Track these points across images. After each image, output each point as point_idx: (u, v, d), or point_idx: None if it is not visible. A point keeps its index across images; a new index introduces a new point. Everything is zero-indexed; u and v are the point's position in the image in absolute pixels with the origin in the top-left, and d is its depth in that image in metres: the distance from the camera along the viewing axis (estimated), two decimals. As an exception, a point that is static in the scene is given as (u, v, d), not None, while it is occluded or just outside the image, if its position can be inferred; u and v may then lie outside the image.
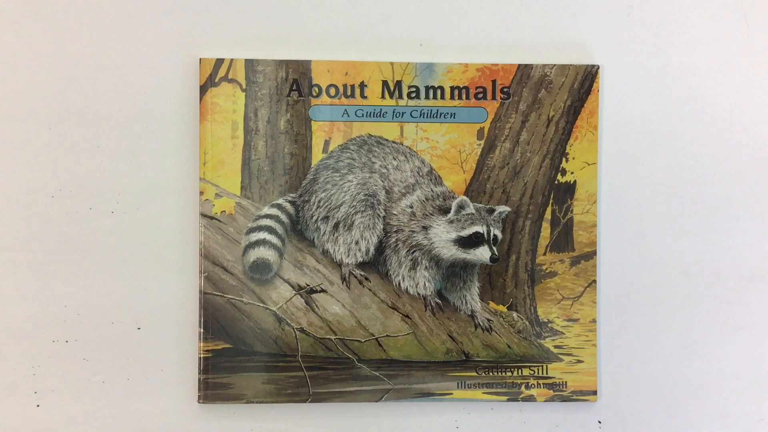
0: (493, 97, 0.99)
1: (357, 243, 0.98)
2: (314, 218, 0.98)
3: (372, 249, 0.98)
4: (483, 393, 0.98)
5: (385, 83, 0.97)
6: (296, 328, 0.96)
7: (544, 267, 0.99)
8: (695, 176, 1.01)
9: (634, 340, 1.00)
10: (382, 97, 0.98)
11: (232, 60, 0.96)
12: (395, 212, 0.99)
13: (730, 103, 1.01)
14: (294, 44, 0.98)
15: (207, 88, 0.96)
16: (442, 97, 0.98)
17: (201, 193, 0.96)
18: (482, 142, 0.99)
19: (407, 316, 0.98)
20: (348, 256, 0.98)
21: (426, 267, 0.99)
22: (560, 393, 0.99)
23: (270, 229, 0.97)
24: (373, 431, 0.99)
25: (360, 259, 0.98)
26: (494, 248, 0.97)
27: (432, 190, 0.98)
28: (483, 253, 0.97)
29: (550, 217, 0.99)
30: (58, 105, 0.96)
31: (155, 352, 0.97)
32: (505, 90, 0.99)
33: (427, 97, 0.98)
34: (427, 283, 0.99)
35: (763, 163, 1.01)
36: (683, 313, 1.01)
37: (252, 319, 0.96)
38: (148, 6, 0.97)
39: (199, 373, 0.96)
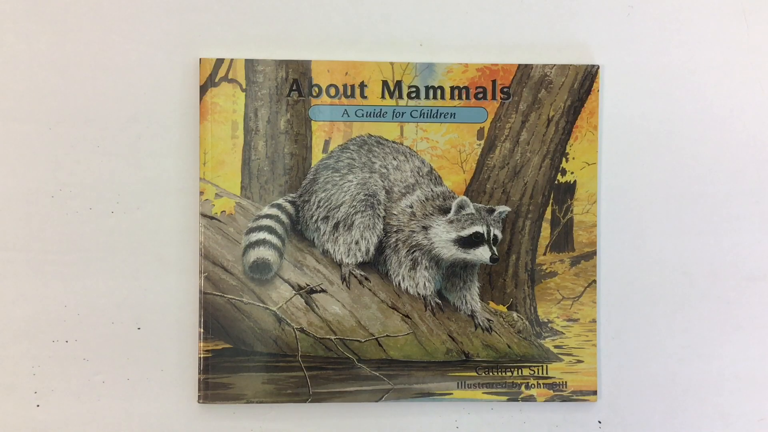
0: (493, 97, 0.99)
1: (357, 243, 0.98)
2: (314, 218, 0.98)
3: (372, 249, 0.98)
4: (483, 393, 0.98)
5: (385, 83, 0.97)
6: (296, 328, 0.96)
7: (544, 267, 0.99)
8: (695, 176, 1.01)
9: (634, 340, 1.00)
10: (382, 97, 0.98)
11: (232, 60, 0.96)
12: (395, 212, 0.99)
13: (730, 103, 1.01)
14: (294, 44, 0.98)
15: (207, 88, 0.96)
16: (442, 97, 0.98)
17: (201, 193, 0.96)
18: (482, 142, 0.99)
19: (407, 316, 0.98)
20: (348, 256, 0.98)
21: (426, 267, 0.99)
22: (560, 393, 0.99)
23: (270, 229, 0.97)
24: (373, 431, 0.99)
25: (360, 259, 0.98)
26: (494, 248, 0.97)
27: (432, 190, 0.98)
28: (483, 253, 0.97)
29: (550, 217, 0.99)
30: (58, 105, 0.96)
31: (155, 352, 0.97)
32: (505, 90, 0.99)
33: (427, 97, 0.98)
34: (427, 283, 0.99)
35: (763, 163, 1.01)
36: (683, 313, 1.01)
37: (252, 319, 0.96)
38: (148, 6, 0.97)
39: (199, 373, 0.96)
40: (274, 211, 0.97)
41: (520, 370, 0.99)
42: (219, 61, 0.96)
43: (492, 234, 0.97)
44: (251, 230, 0.97)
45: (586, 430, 1.00)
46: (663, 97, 1.00)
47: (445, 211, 0.97)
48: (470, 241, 0.97)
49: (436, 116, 0.98)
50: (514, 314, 0.99)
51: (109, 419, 0.97)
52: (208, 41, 0.98)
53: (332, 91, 0.97)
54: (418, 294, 0.99)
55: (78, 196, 0.97)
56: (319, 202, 0.98)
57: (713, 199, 1.01)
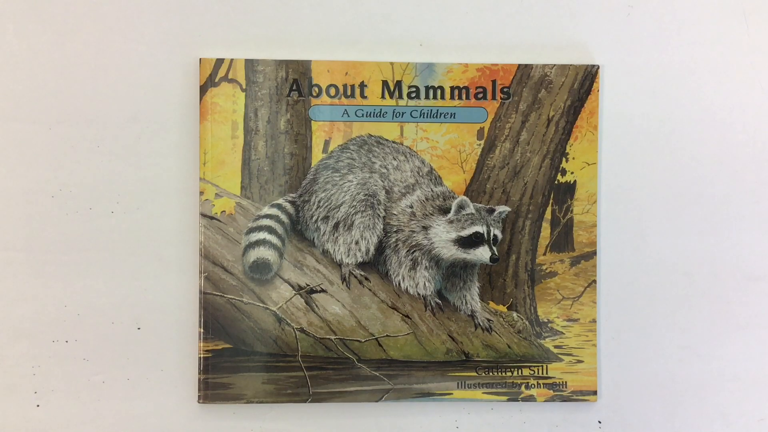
0: (493, 97, 0.99)
1: (357, 243, 0.98)
2: (314, 218, 0.98)
3: (372, 249, 0.98)
4: (483, 393, 0.98)
5: (385, 83, 0.97)
6: (296, 328, 0.96)
7: (544, 267, 0.99)
8: (695, 176, 1.01)
9: (634, 340, 1.00)
10: (382, 97, 0.98)
11: (232, 60, 0.96)
12: (395, 212, 0.99)
13: (730, 103, 1.01)
14: (294, 44, 0.98)
15: (207, 88, 0.96)
16: (442, 97, 0.98)
17: (201, 193, 0.96)
18: (482, 142, 0.99)
19: (407, 316, 0.98)
20: (348, 256, 0.98)
21: (426, 267, 0.99)
22: (560, 393, 0.99)
23: (270, 229, 0.97)
24: (373, 431, 0.99)
25: (360, 259, 0.98)
26: (494, 248, 0.97)
27: (432, 190, 0.98)
28: (483, 253, 0.97)
29: (550, 217, 0.99)
30: (58, 105, 0.96)
31: (155, 352, 0.97)
32: (505, 90, 0.99)
33: (427, 97, 0.98)
34: (427, 283, 0.99)
35: (763, 163, 1.01)
36: (683, 313, 1.01)
37: (252, 319, 0.96)
38: (148, 6, 0.97)
39: (199, 373, 0.96)
40: (274, 211, 0.97)
41: (520, 370, 0.99)
42: (219, 61, 0.96)
43: (492, 234, 0.97)
44: (251, 230, 0.97)
45: (586, 430, 1.00)
46: (663, 97, 1.00)
47: (445, 211, 0.97)
48: (470, 241, 0.97)
49: (436, 116, 0.98)
50: (514, 314, 0.99)
51: (109, 419, 0.97)
52: (208, 41, 0.98)
53: (332, 91, 0.97)
54: (418, 294, 0.99)
55: (78, 196, 0.97)
56: (319, 202, 0.98)
57: (713, 199, 1.01)
